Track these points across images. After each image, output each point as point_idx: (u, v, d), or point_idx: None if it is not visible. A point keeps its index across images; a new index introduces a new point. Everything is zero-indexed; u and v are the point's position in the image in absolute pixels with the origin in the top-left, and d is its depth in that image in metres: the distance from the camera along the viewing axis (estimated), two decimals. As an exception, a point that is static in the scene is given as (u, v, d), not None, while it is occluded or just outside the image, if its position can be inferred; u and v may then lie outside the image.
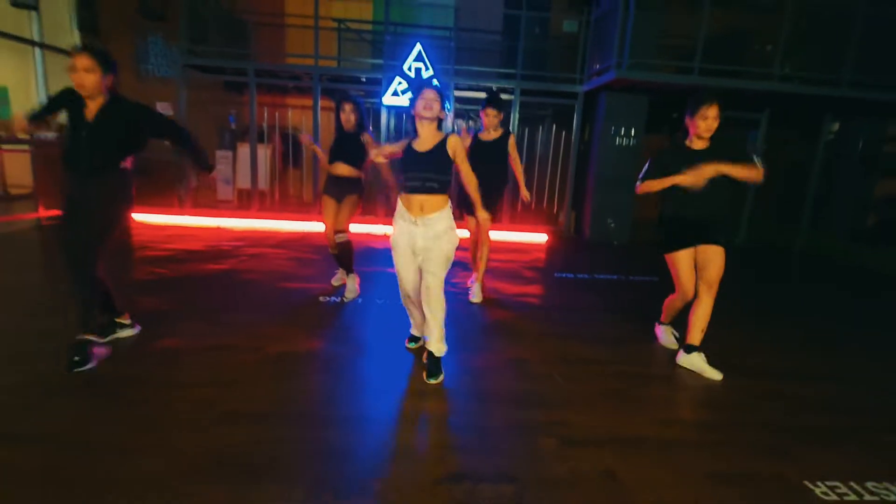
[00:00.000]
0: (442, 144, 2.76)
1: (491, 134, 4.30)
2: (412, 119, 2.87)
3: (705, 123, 2.95)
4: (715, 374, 3.05)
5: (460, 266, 5.33)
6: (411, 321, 3.26)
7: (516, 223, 7.90)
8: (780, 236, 8.61)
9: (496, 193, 4.39)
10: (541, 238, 7.51)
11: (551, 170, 8.71)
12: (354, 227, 5.11)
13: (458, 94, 7.99)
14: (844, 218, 8.27)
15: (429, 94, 2.73)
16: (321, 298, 4.17)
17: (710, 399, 2.83)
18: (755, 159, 2.92)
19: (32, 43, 8.80)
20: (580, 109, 7.83)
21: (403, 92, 7.47)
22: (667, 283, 3.45)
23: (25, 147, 8.08)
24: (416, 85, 2.81)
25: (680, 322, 3.51)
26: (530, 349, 3.36)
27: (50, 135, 7.96)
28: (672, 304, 3.40)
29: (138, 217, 7.17)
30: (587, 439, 2.31)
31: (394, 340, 3.35)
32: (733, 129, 8.62)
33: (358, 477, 1.96)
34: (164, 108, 8.94)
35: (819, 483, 2.09)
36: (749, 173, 2.87)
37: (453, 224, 2.81)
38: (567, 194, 8.17)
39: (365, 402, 2.56)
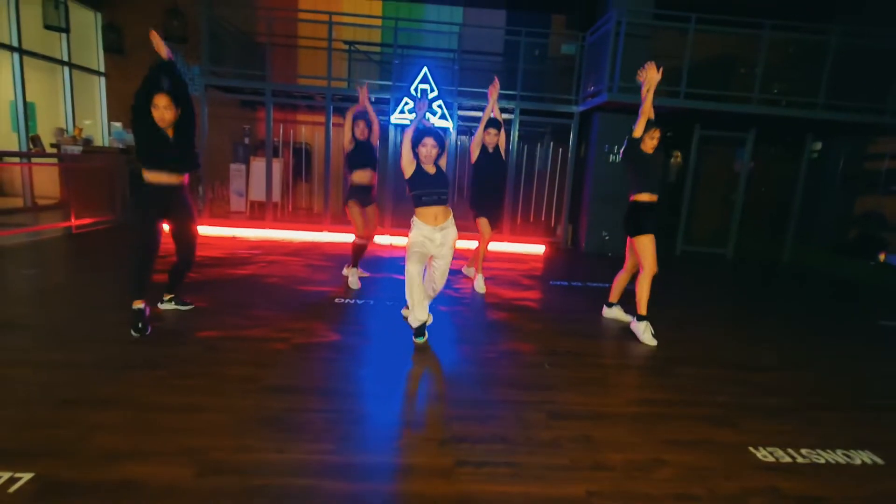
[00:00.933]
0: (439, 167, 3.55)
1: (493, 148, 5.11)
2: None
3: (652, 142, 4.01)
4: (651, 341, 3.94)
5: (461, 274, 5.82)
6: (412, 311, 3.59)
7: (516, 235, 8.36)
8: (767, 249, 9.06)
9: (499, 204, 5.33)
10: (539, 249, 7.96)
11: (549, 184, 9.19)
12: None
13: (461, 113, 8.50)
14: (827, 232, 8.73)
15: (429, 142, 3.41)
16: (336, 300, 4.62)
17: (675, 384, 3.26)
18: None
19: (62, 62, 9.39)
20: (576, 128, 8.33)
21: (410, 111, 7.99)
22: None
23: (53, 160, 8.63)
24: (417, 133, 3.47)
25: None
26: (524, 343, 3.81)
27: (76, 149, 8.49)
28: (622, 280, 4.44)
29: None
30: (569, 413, 2.75)
31: (401, 334, 3.79)
32: (721, 146, 9.15)
33: (377, 437, 2.40)
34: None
35: (760, 448, 2.52)
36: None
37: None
38: (564, 208, 8.63)
39: (379, 382, 3.01)
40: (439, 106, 7.95)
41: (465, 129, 10.16)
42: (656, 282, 4.05)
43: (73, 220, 6.81)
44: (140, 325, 3.36)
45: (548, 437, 2.49)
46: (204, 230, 7.79)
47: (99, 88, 10.25)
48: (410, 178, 3.48)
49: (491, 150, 5.08)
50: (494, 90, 4.94)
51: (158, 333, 3.47)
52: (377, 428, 2.49)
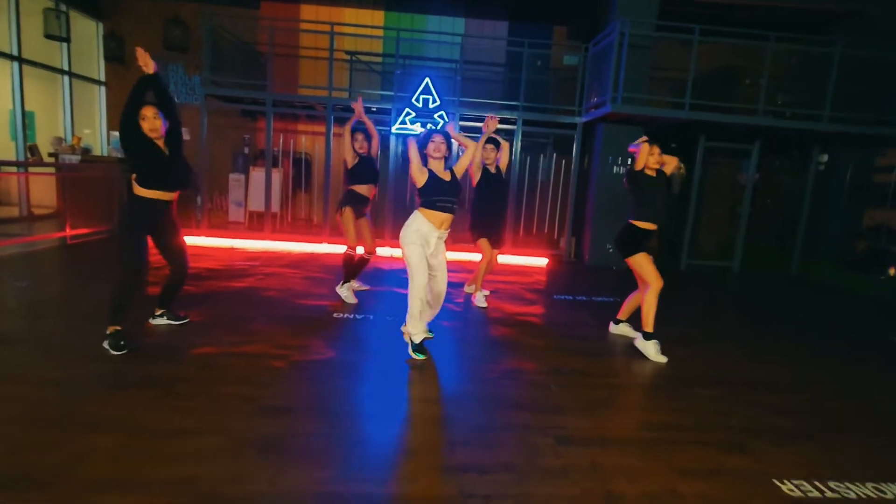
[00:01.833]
0: (453, 173, 3.51)
1: (494, 166, 4.92)
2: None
3: (653, 157, 3.92)
4: (661, 358, 3.83)
5: (460, 286, 5.70)
6: (419, 323, 3.56)
7: (518, 247, 8.25)
8: (775, 262, 8.93)
9: (501, 226, 5.29)
10: (541, 262, 7.84)
11: (552, 196, 9.10)
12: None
13: (462, 123, 8.43)
14: (835, 245, 8.62)
15: (438, 139, 3.42)
16: (335, 314, 4.50)
17: (686, 406, 3.12)
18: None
19: (62, 71, 9.34)
20: (580, 139, 8.25)
21: (412, 122, 7.92)
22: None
23: (50, 170, 8.54)
24: (425, 134, 3.45)
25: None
26: (528, 361, 3.68)
27: (74, 158, 8.42)
28: (636, 300, 4.20)
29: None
30: (578, 438, 2.62)
31: (401, 351, 3.66)
32: (727, 158, 9.07)
33: (376, 463, 2.27)
34: (183, 133, 9.39)
35: (785, 481, 2.38)
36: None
37: None
38: (567, 220, 8.53)
39: (379, 403, 2.88)
40: (440, 116, 7.88)
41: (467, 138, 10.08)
42: (661, 296, 3.94)
43: (68, 231, 6.70)
44: (122, 344, 3.24)
45: (556, 465, 2.36)
46: (201, 241, 7.69)
47: (99, 98, 10.19)
48: (424, 186, 3.42)
49: (493, 171, 4.90)
50: (493, 124, 4.01)
51: (152, 350, 3.35)
52: (376, 453, 2.36)
